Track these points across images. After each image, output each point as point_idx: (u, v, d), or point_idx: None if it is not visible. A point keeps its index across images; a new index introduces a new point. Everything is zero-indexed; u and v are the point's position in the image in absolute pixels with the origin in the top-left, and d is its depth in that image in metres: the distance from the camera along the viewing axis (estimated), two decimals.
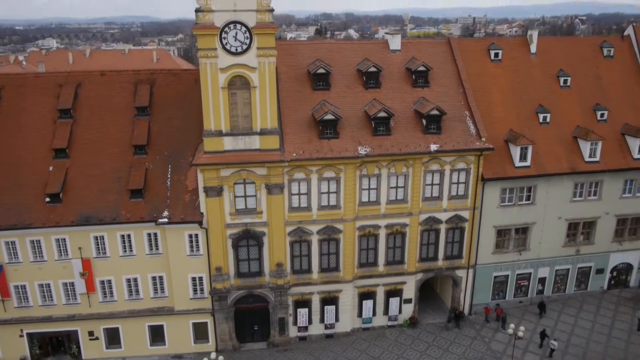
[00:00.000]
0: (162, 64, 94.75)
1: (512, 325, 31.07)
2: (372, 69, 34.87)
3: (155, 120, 35.69)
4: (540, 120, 37.24)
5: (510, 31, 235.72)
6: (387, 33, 37.50)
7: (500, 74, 38.18)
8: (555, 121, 37.45)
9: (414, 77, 35.74)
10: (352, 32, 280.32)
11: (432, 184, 34.90)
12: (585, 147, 36.51)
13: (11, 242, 32.20)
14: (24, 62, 71.61)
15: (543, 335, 34.92)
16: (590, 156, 36.52)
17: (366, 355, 34.92)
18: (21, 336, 34.01)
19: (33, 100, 35.61)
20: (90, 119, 35.22)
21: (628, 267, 40.77)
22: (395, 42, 36.94)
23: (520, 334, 30.45)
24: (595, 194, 37.74)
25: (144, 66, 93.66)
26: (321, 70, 34.23)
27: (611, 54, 40.10)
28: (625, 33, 41.34)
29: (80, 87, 36.11)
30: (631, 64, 40.18)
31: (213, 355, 29.60)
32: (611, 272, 40.47)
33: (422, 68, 35.47)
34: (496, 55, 38.46)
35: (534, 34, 39.24)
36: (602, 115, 38.17)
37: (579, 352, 34.34)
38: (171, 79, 37.29)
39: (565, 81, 38.57)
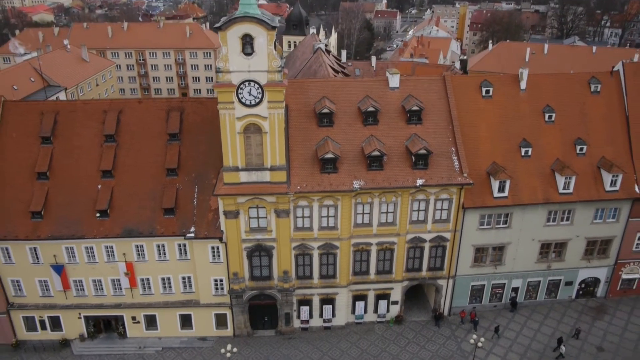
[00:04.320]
0: (194, 39, 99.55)
1: (474, 337, 37.44)
2: (371, 109, 39.70)
3: (184, 145, 41.77)
4: (522, 154, 41.50)
5: None
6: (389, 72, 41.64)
7: (490, 110, 42.16)
8: (536, 154, 41.61)
9: (408, 115, 40.37)
10: None
11: (418, 210, 40.35)
12: (560, 180, 40.84)
13: (70, 247, 39.94)
14: (69, 46, 77.77)
15: (560, 341, 40.57)
16: (564, 188, 40.86)
17: (356, 348, 42.20)
18: (79, 318, 42.55)
19: (82, 124, 42.04)
20: (131, 144, 41.55)
21: (596, 280, 45.94)
22: (394, 81, 41.29)
23: (480, 344, 36.93)
24: (567, 220, 42.40)
25: (177, 43, 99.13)
26: (325, 110, 39.32)
27: (598, 89, 43.13)
28: (615, 68, 44.05)
29: (121, 114, 42.20)
30: (617, 100, 43.18)
31: (229, 347, 37.22)
32: (580, 284, 45.79)
33: (415, 108, 40.01)
34: (487, 91, 42.26)
35: (525, 72, 42.56)
36: (581, 149, 41.99)
37: (534, 357, 40.63)
38: (198, 107, 42.94)
39: (550, 116, 42.24)
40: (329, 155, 37.90)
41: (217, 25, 33.83)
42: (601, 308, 45.50)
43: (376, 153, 38.34)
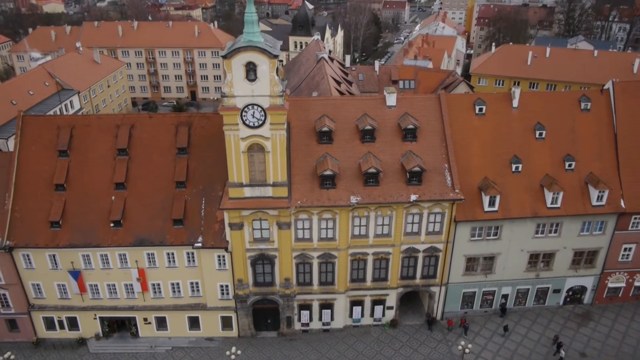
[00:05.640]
0: (203, 38, 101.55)
1: (462, 343, 40.06)
2: (368, 127, 41.86)
3: (192, 159, 44.23)
4: (513, 170, 43.50)
5: None
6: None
7: (482, 127, 44.09)
8: (526, 170, 43.59)
9: (404, 132, 42.46)
10: None
11: (412, 223, 42.68)
12: (548, 195, 42.88)
13: (86, 255, 42.85)
14: (81, 49, 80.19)
15: (559, 345, 43.02)
16: (552, 203, 42.90)
17: (352, 349, 44.98)
18: (95, 319, 45.66)
19: (96, 138, 44.58)
20: (142, 157, 44.04)
21: (583, 288, 48.15)
22: (391, 99, 43.32)
23: (467, 350, 39.59)
24: (555, 232, 44.52)
25: (186, 42, 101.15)
26: (325, 129, 41.56)
27: (588, 107, 44.84)
28: (605, 87, 45.66)
29: (133, 128, 44.69)
30: (606, 118, 44.88)
31: (234, 349, 40.12)
32: (567, 291, 48.04)
33: (411, 126, 42.10)
34: (480, 109, 44.17)
35: (517, 91, 44.34)
36: (570, 165, 43.88)
37: None
38: (205, 122, 45.28)
39: (540, 134, 44.09)
40: (328, 172, 40.22)
41: (223, 54, 36.05)
42: (587, 315, 47.78)
43: (372, 170, 40.59)
